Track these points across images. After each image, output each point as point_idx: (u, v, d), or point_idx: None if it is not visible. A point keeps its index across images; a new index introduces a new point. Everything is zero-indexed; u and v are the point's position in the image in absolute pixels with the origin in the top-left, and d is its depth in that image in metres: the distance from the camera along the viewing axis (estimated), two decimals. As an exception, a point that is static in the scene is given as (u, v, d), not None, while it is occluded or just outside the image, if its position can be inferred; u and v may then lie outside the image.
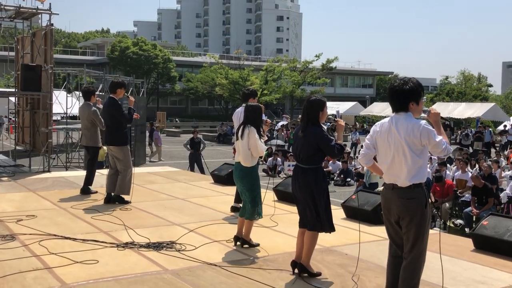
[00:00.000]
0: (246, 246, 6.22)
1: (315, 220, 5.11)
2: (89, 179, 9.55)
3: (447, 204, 12.15)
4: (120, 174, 8.72)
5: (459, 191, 12.52)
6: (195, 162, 18.50)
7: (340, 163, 19.32)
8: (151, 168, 14.15)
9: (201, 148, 18.79)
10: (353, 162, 20.01)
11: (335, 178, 18.55)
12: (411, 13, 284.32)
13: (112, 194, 8.74)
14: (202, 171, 17.63)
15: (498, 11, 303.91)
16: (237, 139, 6.23)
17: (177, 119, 56.58)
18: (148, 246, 6.14)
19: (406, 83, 4.15)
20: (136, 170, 10.60)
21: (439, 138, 4.09)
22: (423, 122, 4.12)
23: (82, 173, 12.56)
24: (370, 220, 7.48)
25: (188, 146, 18.86)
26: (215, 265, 5.52)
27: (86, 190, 9.46)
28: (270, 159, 20.94)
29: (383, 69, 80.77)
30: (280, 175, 19.65)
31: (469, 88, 60.14)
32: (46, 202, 8.78)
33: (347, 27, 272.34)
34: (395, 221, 4.27)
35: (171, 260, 5.67)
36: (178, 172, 13.11)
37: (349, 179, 18.18)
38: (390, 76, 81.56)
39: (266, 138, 6.70)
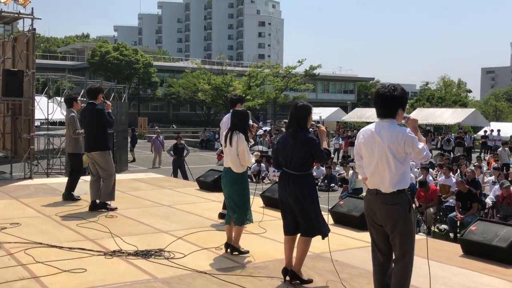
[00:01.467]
0: (236, 253, 6.17)
1: (310, 225, 5.08)
2: (71, 186, 9.43)
3: (431, 209, 12.23)
4: (103, 181, 8.61)
5: (443, 196, 12.61)
6: (178, 168, 18.42)
7: (323, 168, 19.38)
8: (134, 175, 14.02)
9: (184, 154, 18.72)
10: (336, 168, 20.07)
11: (319, 183, 18.56)
12: (392, 19, 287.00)
13: (97, 201, 8.63)
14: (185, 177, 17.54)
15: (477, 17, 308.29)
16: (225, 145, 6.19)
17: (157, 127, 56.28)
18: (136, 254, 6.06)
19: (395, 90, 4.16)
20: (119, 176, 10.51)
21: (421, 145, 4.13)
22: (407, 130, 4.14)
23: (65, 179, 12.41)
24: (358, 226, 7.48)
25: (172, 152, 18.77)
26: (205, 273, 5.46)
27: (69, 196, 9.33)
28: (254, 165, 20.90)
29: (364, 75, 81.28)
30: (264, 181, 19.64)
31: (449, 94, 60.85)
32: (29, 209, 8.64)
33: (328, 33, 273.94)
34: (379, 225, 4.26)
35: (161, 268, 5.60)
36: (163, 179, 13.00)
37: (333, 185, 18.21)
38: (371, 82, 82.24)
39: (253, 142, 6.67)
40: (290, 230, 5.23)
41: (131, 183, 11.72)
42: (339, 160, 24.53)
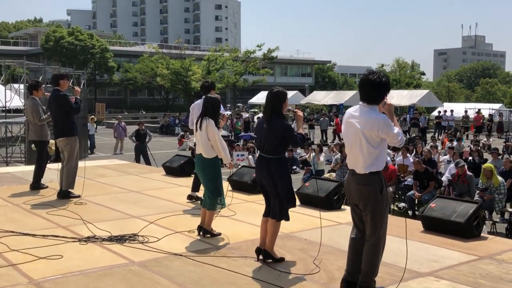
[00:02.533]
0: (208, 235, 6.36)
1: (279, 209, 5.30)
2: (38, 175, 9.40)
3: (390, 188, 12.66)
4: (65, 168, 8.60)
5: (402, 175, 13.07)
6: (140, 153, 18.40)
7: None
8: (98, 162, 13.96)
9: (147, 140, 18.70)
10: (297, 150, 20.41)
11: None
12: (347, 3, 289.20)
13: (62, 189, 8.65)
14: (148, 162, 17.54)
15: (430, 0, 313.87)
16: (196, 130, 6.34)
17: (120, 114, 55.58)
18: (111, 239, 6.18)
19: (383, 77, 4.34)
20: (82, 163, 10.46)
21: (396, 130, 4.34)
22: (383, 116, 4.35)
23: (27, 168, 12.33)
24: (323, 206, 7.76)
25: (134, 138, 18.72)
26: (181, 255, 5.64)
27: (36, 186, 9.30)
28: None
29: (321, 58, 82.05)
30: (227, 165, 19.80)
31: (403, 76, 62.06)
32: (-4, 198, 8.59)
33: (286, 16, 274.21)
34: (354, 203, 4.53)
35: (136, 252, 5.75)
36: (127, 165, 13.03)
37: (295, 167, 18.56)
38: (328, 65, 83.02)
39: (222, 131, 6.83)
40: (266, 211, 5.44)
41: (96, 170, 11.71)
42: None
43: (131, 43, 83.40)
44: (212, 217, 6.41)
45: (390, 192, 12.68)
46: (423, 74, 72.14)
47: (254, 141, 19.47)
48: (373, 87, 4.37)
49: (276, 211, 5.29)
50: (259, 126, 5.55)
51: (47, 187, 9.34)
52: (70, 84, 8.97)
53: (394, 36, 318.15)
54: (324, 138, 28.62)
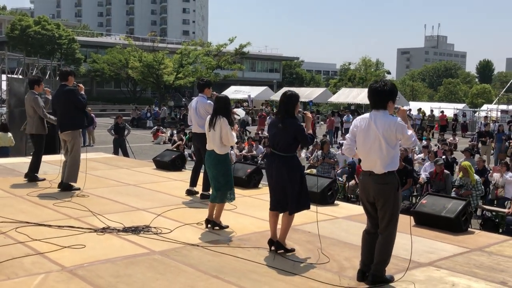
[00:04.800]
0: (217, 228, 6.73)
1: (292, 203, 5.72)
2: (36, 166, 9.58)
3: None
4: (68, 161, 8.86)
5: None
6: (119, 147, 18.54)
7: (262, 147, 20.20)
8: (83, 155, 14.05)
9: (126, 133, 18.85)
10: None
11: (259, 162, 19.30)
12: (315, 0, 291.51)
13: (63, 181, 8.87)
14: (126, 156, 17.72)
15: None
16: (209, 130, 6.68)
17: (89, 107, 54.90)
18: (126, 230, 6.48)
19: (386, 85, 4.85)
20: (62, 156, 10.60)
21: (410, 132, 4.84)
22: (398, 119, 4.85)
23: (17, 159, 12.42)
24: (318, 201, 8.19)
25: (113, 131, 18.85)
26: (197, 246, 6.00)
27: (33, 178, 9.48)
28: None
29: (289, 55, 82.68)
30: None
31: (369, 74, 63.32)
32: (-3, 190, 8.75)
33: (254, 11, 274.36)
34: (371, 202, 4.98)
35: (154, 242, 6.08)
36: (115, 158, 13.26)
37: (261, 163, 19.01)
38: (295, 61, 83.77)
39: (237, 127, 7.20)
40: (275, 206, 5.84)
41: (85, 163, 11.84)
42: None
43: (97, 34, 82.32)
44: (222, 210, 6.78)
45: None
46: (389, 73, 73.75)
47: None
48: (378, 94, 4.88)
49: (292, 205, 5.70)
50: (272, 126, 5.94)
51: (44, 179, 9.51)
52: (75, 82, 9.16)
53: (359, 34, 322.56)
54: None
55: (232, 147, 19.92)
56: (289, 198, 5.71)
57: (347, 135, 5.17)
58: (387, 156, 4.82)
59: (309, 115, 6.12)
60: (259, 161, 19.35)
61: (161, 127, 28.94)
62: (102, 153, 14.33)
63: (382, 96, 4.85)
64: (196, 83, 47.92)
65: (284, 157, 5.71)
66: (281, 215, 5.85)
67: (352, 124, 5.13)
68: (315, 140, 8.01)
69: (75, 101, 8.64)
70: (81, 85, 9.12)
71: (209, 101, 8.31)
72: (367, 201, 5.01)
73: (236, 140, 6.82)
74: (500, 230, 10.34)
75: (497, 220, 10.66)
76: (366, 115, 5.00)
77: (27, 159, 12.03)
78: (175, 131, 26.57)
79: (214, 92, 8.80)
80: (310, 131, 5.92)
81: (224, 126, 6.55)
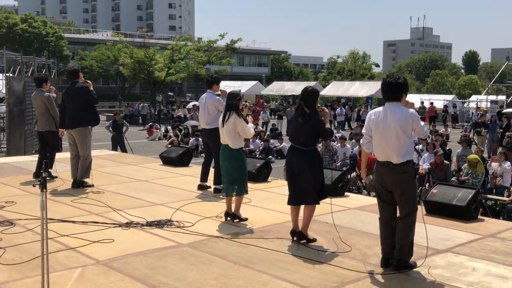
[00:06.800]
0: (237, 220, 6.92)
1: (314, 194, 5.93)
2: (50, 163, 9.68)
3: (371, 177, 13.51)
4: (80, 159, 9.00)
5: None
6: (118, 144, 18.65)
7: (259, 141, 20.42)
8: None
9: (124, 130, 18.96)
10: (271, 141, 21.10)
11: (256, 156, 19.51)
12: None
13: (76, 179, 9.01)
14: (125, 152, 17.83)
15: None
16: (223, 125, 6.86)
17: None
18: (150, 224, 6.65)
19: (399, 78, 5.13)
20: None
21: (422, 123, 5.15)
22: (412, 110, 5.12)
23: (23, 158, 12.52)
24: (329, 193, 8.41)
25: (111, 128, 18.94)
26: (222, 237, 6.19)
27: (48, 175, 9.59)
28: (192, 139, 21.53)
29: (277, 49, 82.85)
30: (202, 155, 20.32)
31: (358, 67, 63.71)
32: (11, 188, 8.88)
33: (240, 5, 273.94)
34: (388, 190, 5.20)
35: (179, 235, 6.26)
36: (120, 155, 13.38)
37: (270, 156, 19.22)
38: (283, 55, 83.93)
39: (251, 119, 7.38)
40: (295, 200, 6.03)
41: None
42: (268, 133, 25.57)
43: (83, 31, 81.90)
44: (241, 203, 6.97)
45: (371, 180, 13.53)
46: (377, 65, 74.25)
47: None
48: (393, 87, 5.14)
49: (314, 196, 5.91)
50: (292, 120, 6.14)
51: (56, 177, 9.63)
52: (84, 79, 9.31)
53: (345, 27, 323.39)
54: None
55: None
56: (310, 190, 5.92)
57: (363, 130, 5.39)
58: (404, 146, 5.06)
59: (326, 110, 6.33)
60: (256, 155, 19.58)
61: (156, 124, 29.00)
62: (105, 150, 14.44)
63: (397, 89, 5.09)
64: (186, 78, 48.24)
65: (306, 151, 5.90)
66: (302, 206, 6.06)
67: (367, 119, 5.35)
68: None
69: (88, 98, 8.78)
70: (89, 81, 9.26)
71: (217, 98, 8.51)
72: (384, 190, 5.23)
73: (253, 133, 7.02)
74: (501, 218, 10.64)
75: (497, 209, 10.96)
76: (380, 108, 5.24)
77: (35, 158, 12.15)
78: (169, 127, 26.71)
79: (222, 89, 9.01)
80: (328, 125, 6.13)
81: (238, 122, 6.74)
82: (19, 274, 4.97)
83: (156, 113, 34.87)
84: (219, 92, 8.66)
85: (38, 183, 4.11)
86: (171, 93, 50.74)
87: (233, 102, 6.92)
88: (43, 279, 4.09)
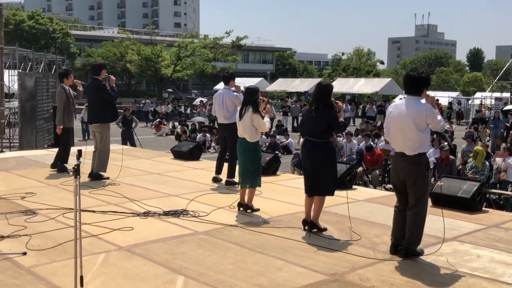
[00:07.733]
0: (249, 210, 7.19)
1: (325, 185, 6.19)
2: (64, 157, 9.97)
3: (377, 171, 13.78)
4: (97, 152, 9.29)
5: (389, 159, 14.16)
6: (127, 139, 18.96)
7: (265, 137, 20.68)
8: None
9: (133, 126, 19.28)
10: (277, 136, 21.38)
11: (264, 151, 19.76)
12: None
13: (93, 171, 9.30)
14: (134, 147, 18.12)
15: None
16: (240, 119, 7.13)
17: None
18: (166, 214, 6.93)
19: (422, 73, 5.32)
20: (73, 149, 10.96)
21: (439, 117, 5.32)
22: (429, 105, 5.32)
23: (37, 152, 12.82)
24: (338, 186, 8.67)
25: (120, 124, 19.25)
26: (236, 226, 6.46)
27: (63, 168, 9.87)
28: (199, 135, 21.83)
29: (282, 46, 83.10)
30: (209, 150, 20.66)
31: (363, 64, 63.85)
32: (30, 180, 9.16)
33: (244, 3, 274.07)
34: (401, 180, 5.45)
35: (195, 224, 6.53)
36: (131, 149, 13.66)
37: (277, 152, 19.47)
38: (288, 52, 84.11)
39: (268, 114, 7.64)
40: (310, 190, 6.29)
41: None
42: (273, 129, 25.83)
43: (89, 27, 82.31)
44: (253, 194, 7.24)
45: (377, 174, 13.79)
46: (382, 63, 74.36)
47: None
48: (415, 80, 5.33)
49: (325, 187, 6.17)
50: (306, 114, 6.40)
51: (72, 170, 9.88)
52: (106, 74, 9.58)
53: (350, 24, 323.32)
54: (295, 125, 29.64)
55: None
56: (322, 181, 6.17)
57: (385, 124, 5.64)
58: (418, 139, 5.28)
59: (340, 104, 6.58)
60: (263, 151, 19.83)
61: (164, 120, 29.33)
62: (117, 145, 14.70)
63: (419, 83, 5.29)
64: (191, 75, 48.62)
65: (319, 143, 6.16)
66: (314, 197, 6.32)
67: (387, 112, 5.59)
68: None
69: (106, 96, 9.04)
70: (112, 76, 9.50)
71: (235, 93, 8.78)
72: (398, 180, 5.48)
73: (269, 127, 7.29)
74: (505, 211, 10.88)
75: (501, 202, 11.19)
76: (399, 101, 5.48)
77: (48, 152, 12.45)
78: (176, 123, 27.01)
79: (237, 84, 9.27)
80: (342, 119, 6.39)
81: (254, 116, 7.00)
82: (46, 259, 5.25)
83: (171, 111, 34.81)
84: (234, 88, 8.93)
85: (72, 170, 4.30)
86: (170, 90, 51.03)
87: (250, 97, 7.17)
88: (76, 262, 4.33)
